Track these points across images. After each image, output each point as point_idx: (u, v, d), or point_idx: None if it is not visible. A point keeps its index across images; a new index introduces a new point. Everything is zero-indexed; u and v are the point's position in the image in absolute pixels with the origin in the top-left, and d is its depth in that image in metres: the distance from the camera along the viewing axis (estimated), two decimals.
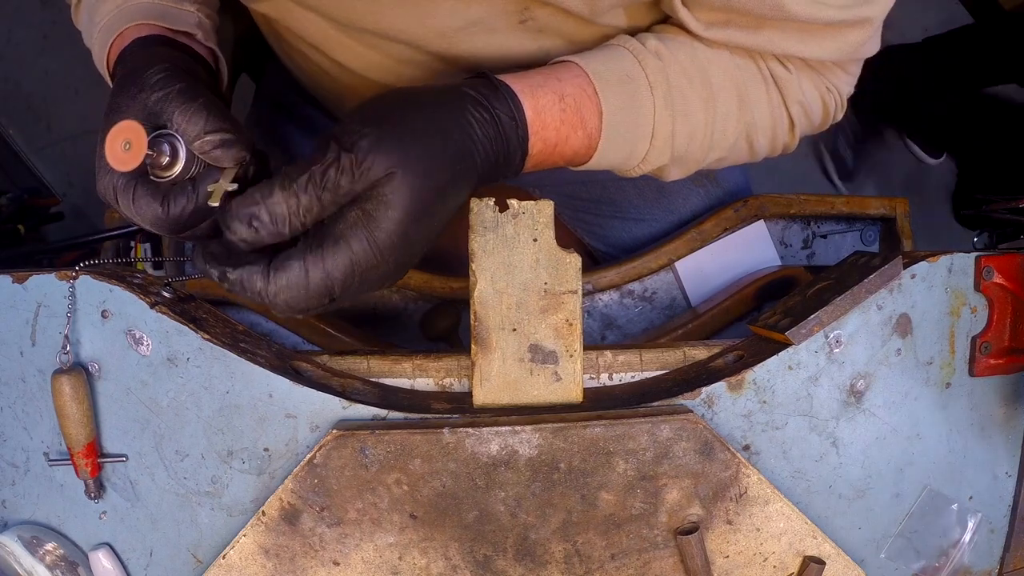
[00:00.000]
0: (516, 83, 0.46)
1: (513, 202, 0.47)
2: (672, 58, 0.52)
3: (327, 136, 0.40)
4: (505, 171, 0.46)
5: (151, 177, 0.42)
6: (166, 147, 0.42)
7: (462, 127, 0.42)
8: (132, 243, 0.79)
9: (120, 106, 0.42)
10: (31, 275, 0.49)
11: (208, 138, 0.41)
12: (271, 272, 0.39)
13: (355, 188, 0.38)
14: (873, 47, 0.58)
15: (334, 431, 0.46)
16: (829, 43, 0.54)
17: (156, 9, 0.52)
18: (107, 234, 0.76)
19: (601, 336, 0.78)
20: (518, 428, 0.46)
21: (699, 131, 0.53)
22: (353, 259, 0.39)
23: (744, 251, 0.78)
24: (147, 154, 0.40)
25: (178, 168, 0.42)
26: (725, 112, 0.54)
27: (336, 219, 0.39)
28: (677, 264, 0.77)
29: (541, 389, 0.49)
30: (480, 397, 0.48)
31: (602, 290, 0.77)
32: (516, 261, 0.47)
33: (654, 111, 0.51)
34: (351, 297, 0.41)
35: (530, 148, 0.47)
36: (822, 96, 0.59)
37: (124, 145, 0.39)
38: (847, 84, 0.61)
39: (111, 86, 0.50)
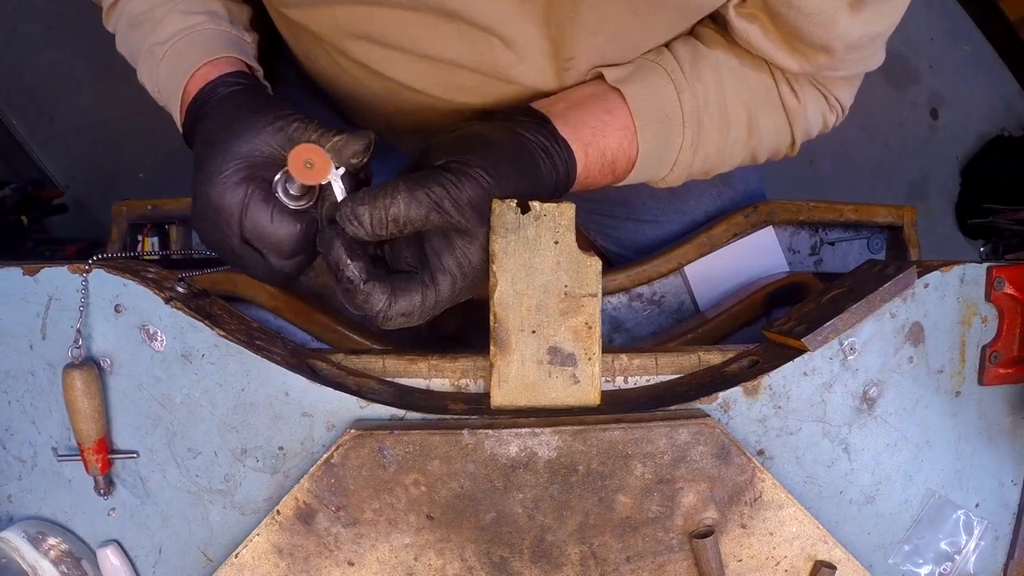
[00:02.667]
0: (573, 140, 0.52)
1: (535, 204, 0.47)
2: (703, 90, 0.57)
3: (443, 167, 0.46)
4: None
5: (285, 201, 0.47)
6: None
7: (535, 182, 0.49)
8: (139, 237, 0.78)
9: (253, 132, 0.47)
10: (43, 267, 0.49)
11: (336, 139, 0.47)
12: (393, 297, 0.45)
13: (458, 225, 0.45)
14: (879, 60, 0.61)
15: (352, 431, 0.46)
16: (844, 61, 0.57)
17: (228, 39, 0.54)
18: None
19: (609, 339, 0.78)
20: (538, 430, 0.46)
21: (712, 157, 0.59)
22: (454, 287, 0.47)
23: (753, 256, 0.79)
24: (333, 172, 0.46)
25: (311, 202, 0.49)
26: (735, 139, 0.60)
27: (439, 252, 0.46)
28: (686, 268, 0.77)
29: (559, 391, 0.49)
30: (498, 398, 0.48)
31: (611, 293, 0.77)
32: (537, 263, 0.47)
33: (680, 148, 0.57)
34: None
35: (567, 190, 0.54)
36: (824, 115, 0.64)
37: (306, 163, 0.44)
38: (850, 96, 0.65)
39: (177, 112, 0.53)
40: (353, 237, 0.44)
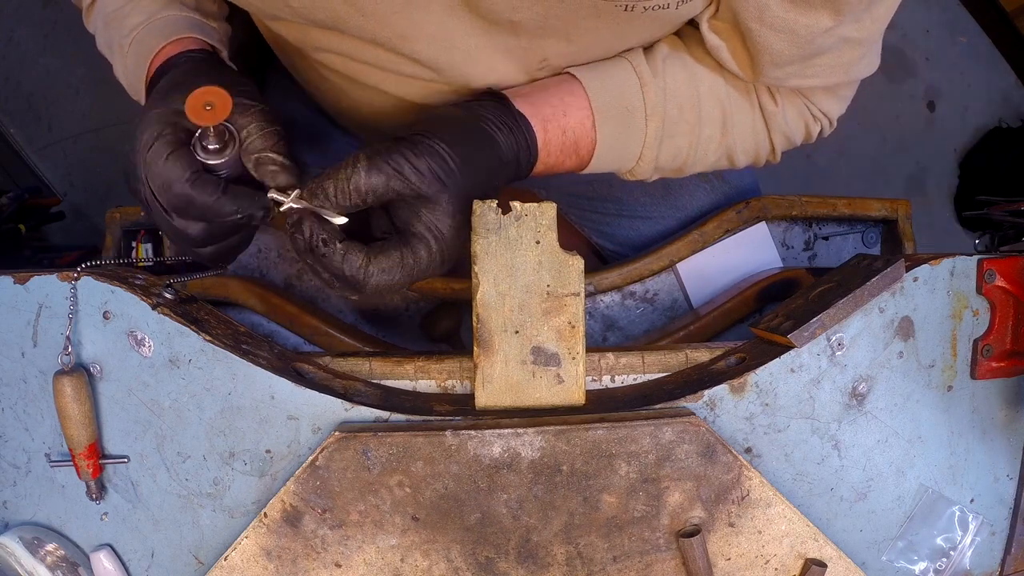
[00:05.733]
0: (532, 115, 0.53)
1: (516, 204, 0.47)
2: (673, 84, 0.57)
3: (401, 138, 0.48)
4: (511, 181, 0.54)
5: (202, 156, 0.45)
6: (227, 133, 0.46)
7: (494, 152, 0.50)
8: (133, 243, 0.79)
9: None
10: (33, 276, 0.49)
11: (271, 155, 0.46)
12: (372, 254, 0.46)
13: (419, 189, 0.46)
14: (867, 68, 0.59)
15: (336, 433, 0.46)
16: (814, 70, 0.56)
17: (190, 22, 0.55)
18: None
19: (603, 337, 0.78)
20: (520, 430, 0.46)
21: (682, 152, 0.59)
22: (430, 251, 0.47)
23: (746, 253, 0.78)
24: (223, 123, 0.43)
25: (225, 158, 0.46)
26: (708, 136, 0.59)
27: (408, 221, 0.47)
28: (679, 266, 0.77)
29: (543, 391, 0.49)
30: (482, 399, 0.48)
31: (604, 291, 0.77)
32: (519, 263, 0.47)
33: (644, 140, 0.57)
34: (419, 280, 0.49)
35: (533, 169, 0.54)
36: (806, 124, 0.63)
37: (206, 105, 0.41)
38: (835, 107, 0.63)
39: (143, 97, 0.53)
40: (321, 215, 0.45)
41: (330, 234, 0.46)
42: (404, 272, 0.46)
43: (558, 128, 0.54)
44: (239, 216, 0.46)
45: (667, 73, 0.56)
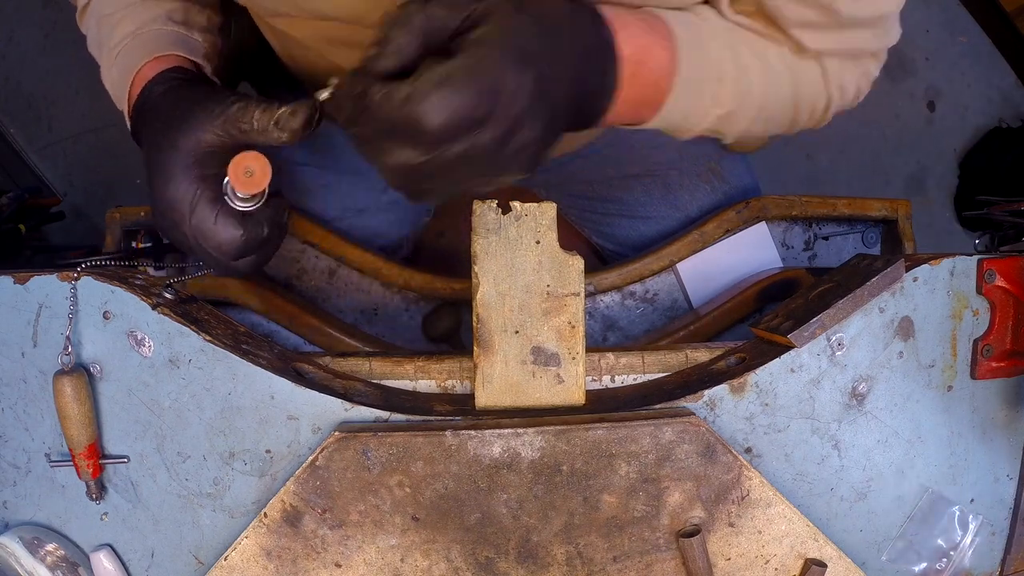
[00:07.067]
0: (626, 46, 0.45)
1: (516, 204, 0.47)
2: (739, 52, 0.54)
3: None
4: (592, 110, 0.46)
5: (232, 203, 0.48)
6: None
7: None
8: (133, 243, 0.79)
9: (195, 125, 0.47)
10: (33, 276, 0.49)
11: (281, 111, 0.45)
12: (422, 72, 0.35)
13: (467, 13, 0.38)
14: (896, 35, 0.60)
15: (336, 433, 0.46)
16: (866, 35, 0.56)
17: (174, 37, 0.55)
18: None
19: (603, 337, 0.78)
20: (520, 430, 0.46)
21: (756, 88, 0.54)
22: (503, 50, 0.36)
23: (746, 253, 0.78)
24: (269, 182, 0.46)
25: (259, 203, 0.49)
26: (777, 80, 0.55)
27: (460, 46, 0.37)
28: (679, 266, 0.77)
29: (543, 391, 0.49)
30: (482, 399, 0.48)
31: (604, 291, 0.77)
32: (519, 263, 0.47)
33: (722, 62, 0.52)
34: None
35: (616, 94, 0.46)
36: (857, 81, 0.62)
37: (246, 172, 0.44)
38: (876, 68, 0.64)
39: (126, 108, 0.53)
40: None
41: (365, 83, 0.38)
42: (473, 84, 0.35)
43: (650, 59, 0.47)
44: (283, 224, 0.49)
45: (736, 39, 0.53)
